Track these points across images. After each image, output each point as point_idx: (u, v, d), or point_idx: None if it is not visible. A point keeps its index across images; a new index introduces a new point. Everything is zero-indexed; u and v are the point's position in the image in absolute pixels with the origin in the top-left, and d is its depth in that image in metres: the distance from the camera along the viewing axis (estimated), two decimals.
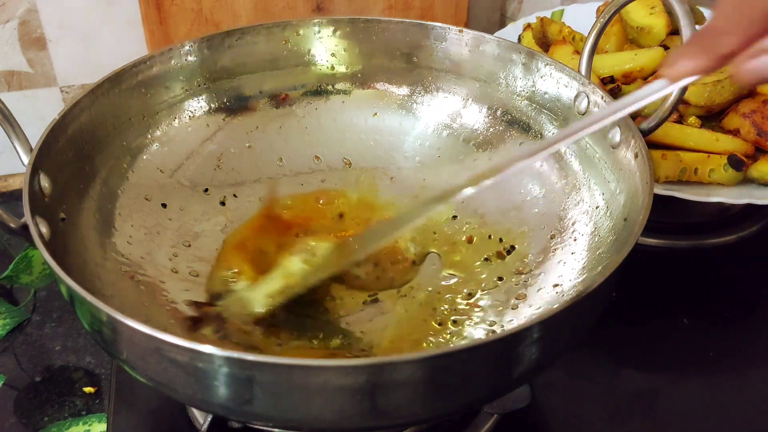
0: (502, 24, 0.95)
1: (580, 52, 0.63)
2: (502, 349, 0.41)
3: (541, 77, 0.62)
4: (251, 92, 0.66)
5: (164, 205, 0.60)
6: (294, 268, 0.53)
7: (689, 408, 0.59)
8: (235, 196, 0.63)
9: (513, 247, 0.59)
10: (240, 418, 0.47)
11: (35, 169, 0.49)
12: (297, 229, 0.61)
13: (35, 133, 0.51)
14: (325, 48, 0.66)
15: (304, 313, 0.55)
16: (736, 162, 0.67)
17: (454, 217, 0.62)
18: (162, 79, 0.62)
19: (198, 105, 0.64)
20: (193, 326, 0.52)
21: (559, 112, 0.61)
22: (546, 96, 0.62)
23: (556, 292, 0.54)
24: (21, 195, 0.47)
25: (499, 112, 0.65)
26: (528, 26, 0.82)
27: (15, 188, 0.82)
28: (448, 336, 0.54)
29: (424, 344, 0.53)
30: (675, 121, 0.71)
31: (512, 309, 0.55)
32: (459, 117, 0.66)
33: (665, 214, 0.70)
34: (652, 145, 0.68)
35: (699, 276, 0.71)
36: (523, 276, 0.57)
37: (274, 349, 0.52)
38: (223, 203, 0.62)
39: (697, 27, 0.76)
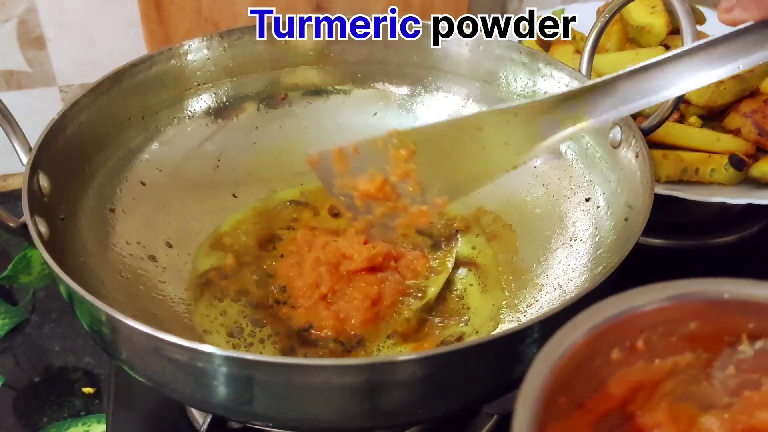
0: None
1: (580, 52, 0.63)
2: (502, 348, 0.41)
3: (542, 77, 0.62)
4: (251, 92, 0.66)
5: (163, 206, 0.60)
6: None
7: None
8: (234, 196, 0.63)
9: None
10: (240, 418, 0.47)
11: (34, 168, 0.49)
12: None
13: (34, 133, 0.51)
14: (325, 47, 0.66)
15: None
16: (737, 162, 0.67)
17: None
18: (161, 79, 0.61)
19: (198, 105, 0.64)
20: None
21: None
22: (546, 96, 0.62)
23: (557, 292, 0.54)
24: (20, 195, 0.47)
25: None
26: None
27: (14, 188, 0.82)
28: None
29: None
30: (676, 121, 0.71)
31: (513, 309, 0.55)
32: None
33: (666, 214, 0.69)
34: (653, 145, 0.68)
35: (699, 276, 0.71)
36: (523, 276, 0.57)
37: None
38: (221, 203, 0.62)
39: (698, 26, 0.77)
